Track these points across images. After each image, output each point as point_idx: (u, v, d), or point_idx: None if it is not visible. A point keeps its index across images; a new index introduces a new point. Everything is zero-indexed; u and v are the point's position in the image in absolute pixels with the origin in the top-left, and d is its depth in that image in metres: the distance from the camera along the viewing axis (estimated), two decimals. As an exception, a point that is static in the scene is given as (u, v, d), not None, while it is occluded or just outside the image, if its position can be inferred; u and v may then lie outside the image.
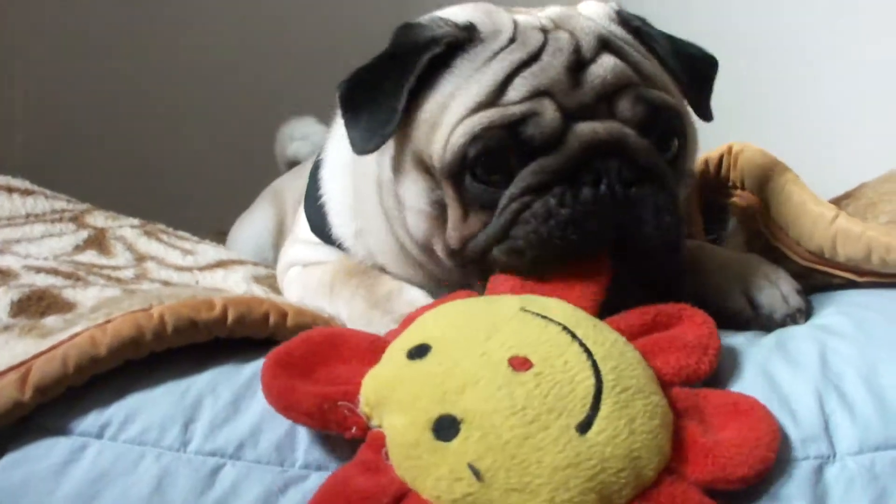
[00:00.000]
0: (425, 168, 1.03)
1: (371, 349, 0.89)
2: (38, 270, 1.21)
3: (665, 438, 0.80)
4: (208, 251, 1.41)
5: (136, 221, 1.47)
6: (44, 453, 0.91)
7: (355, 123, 1.04)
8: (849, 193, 1.23)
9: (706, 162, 1.29)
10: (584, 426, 0.76)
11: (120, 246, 1.37)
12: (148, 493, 0.86)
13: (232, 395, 0.93)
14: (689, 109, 1.11)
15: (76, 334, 0.97)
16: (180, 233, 1.47)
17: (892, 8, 1.91)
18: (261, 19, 2.74)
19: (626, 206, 0.97)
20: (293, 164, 2.00)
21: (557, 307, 0.89)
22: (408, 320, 0.95)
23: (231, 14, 2.74)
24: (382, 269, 1.18)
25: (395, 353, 0.85)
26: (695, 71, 1.10)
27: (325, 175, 1.26)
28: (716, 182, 1.28)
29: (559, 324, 0.85)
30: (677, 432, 0.82)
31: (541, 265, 0.97)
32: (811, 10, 2.12)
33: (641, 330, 0.92)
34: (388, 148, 1.07)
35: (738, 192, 1.26)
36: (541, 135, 0.97)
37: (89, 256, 1.33)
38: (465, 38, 1.03)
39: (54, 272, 1.22)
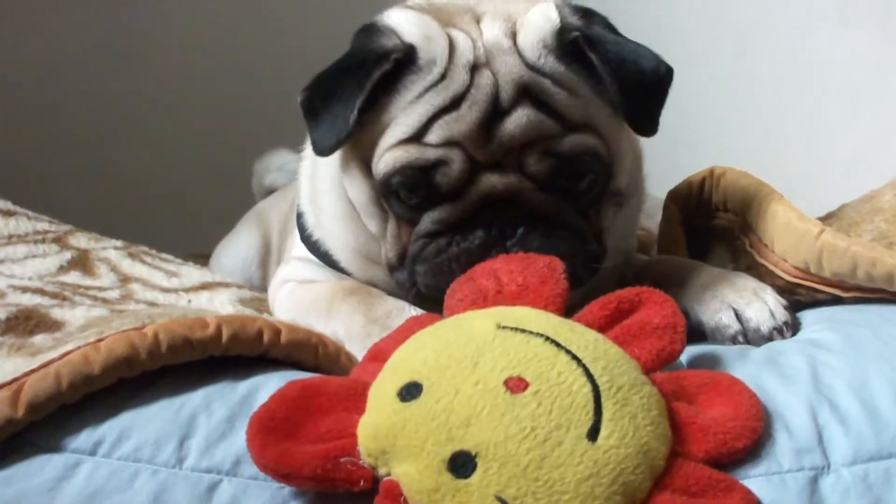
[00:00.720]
0: (368, 171, 1.13)
1: (352, 394, 0.86)
2: (25, 290, 1.20)
3: (665, 425, 0.82)
4: (193, 273, 1.40)
5: (119, 243, 1.45)
6: (36, 470, 0.90)
7: (315, 128, 1.12)
8: (831, 214, 1.26)
9: (689, 185, 1.30)
10: (593, 433, 0.77)
11: (104, 267, 1.36)
12: (145, 510, 0.85)
13: (227, 412, 0.92)
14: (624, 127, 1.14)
15: (68, 352, 0.96)
16: (164, 255, 1.46)
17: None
18: (241, 44, 2.75)
19: (515, 245, 1.06)
20: (271, 193, 2.01)
21: (531, 316, 0.89)
22: (376, 356, 0.94)
23: (209, 37, 2.75)
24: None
25: (384, 396, 0.83)
26: (641, 87, 1.09)
27: (301, 184, 1.34)
28: (698, 205, 1.30)
29: (540, 335, 0.85)
30: (671, 415, 0.84)
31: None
32: (795, 27, 2.16)
33: (607, 321, 0.93)
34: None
35: (721, 214, 1.28)
36: (447, 184, 1.07)
37: (74, 277, 1.32)
38: (407, 60, 1.09)
39: (40, 292, 1.20)
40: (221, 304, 1.29)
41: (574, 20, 1.12)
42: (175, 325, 0.96)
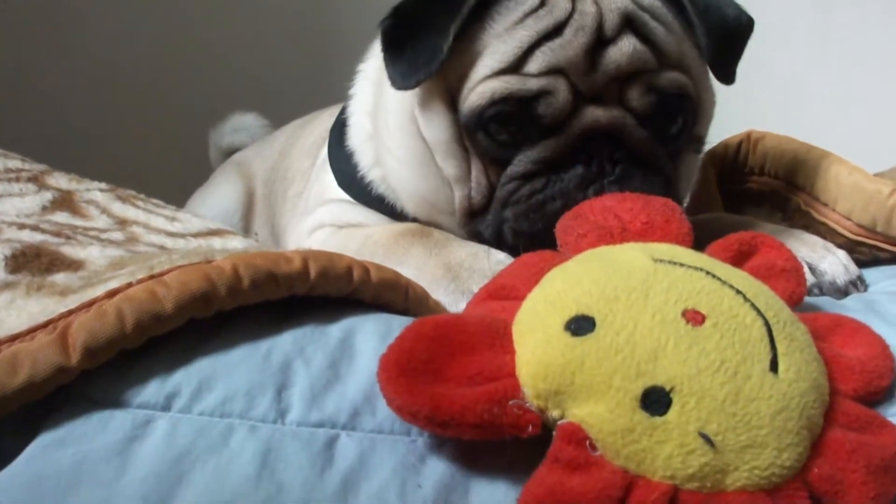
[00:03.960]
0: (453, 105, 1.00)
1: (493, 333, 0.71)
2: (21, 227, 0.96)
3: (822, 361, 0.74)
4: (192, 219, 1.18)
5: (104, 185, 1.21)
6: (96, 430, 0.68)
7: (396, 59, 0.98)
8: (882, 174, 1.20)
9: (726, 147, 1.23)
10: (774, 366, 0.68)
11: (94, 209, 1.12)
12: (254, 472, 0.66)
13: (326, 358, 0.74)
14: (708, 72, 1.05)
15: (116, 290, 0.76)
16: (154, 200, 1.23)
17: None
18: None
19: (613, 184, 0.95)
20: (231, 154, 1.82)
21: (679, 252, 0.78)
22: (496, 293, 0.79)
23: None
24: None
25: (548, 331, 0.68)
26: (724, 34, 1.03)
27: (353, 122, 1.16)
28: (732, 168, 1.22)
29: (698, 269, 0.74)
30: (818, 353, 0.76)
31: (537, 240, 0.92)
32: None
33: (732, 262, 0.83)
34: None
35: (755, 177, 1.20)
36: (551, 115, 0.96)
37: (63, 217, 1.07)
38: None
39: (38, 229, 0.97)
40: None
41: None
42: (256, 258, 0.77)
